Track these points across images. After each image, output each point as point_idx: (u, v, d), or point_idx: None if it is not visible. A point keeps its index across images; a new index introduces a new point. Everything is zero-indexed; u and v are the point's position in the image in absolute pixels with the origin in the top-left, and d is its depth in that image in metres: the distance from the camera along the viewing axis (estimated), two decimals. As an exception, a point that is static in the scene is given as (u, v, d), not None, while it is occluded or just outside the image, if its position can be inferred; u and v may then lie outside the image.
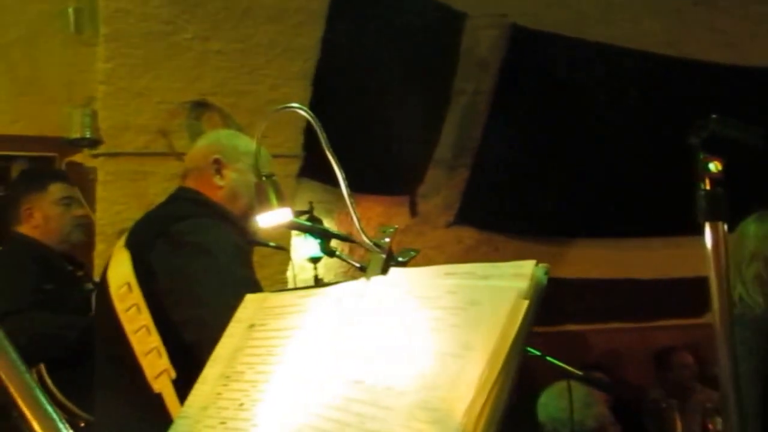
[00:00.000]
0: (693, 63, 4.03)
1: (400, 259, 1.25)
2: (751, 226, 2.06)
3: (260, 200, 1.42)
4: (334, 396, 1.00)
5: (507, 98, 3.85)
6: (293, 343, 1.14)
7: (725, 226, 0.91)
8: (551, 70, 3.89)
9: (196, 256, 1.56)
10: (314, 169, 3.42)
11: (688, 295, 4.76)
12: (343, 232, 1.91)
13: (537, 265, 1.00)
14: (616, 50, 3.96)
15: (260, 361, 1.22)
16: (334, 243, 1.85)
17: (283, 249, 2.46)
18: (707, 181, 0.91)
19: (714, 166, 0.91)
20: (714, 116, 0.93)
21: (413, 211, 4.07)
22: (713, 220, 0.90)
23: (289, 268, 3.11)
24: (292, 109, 1.28)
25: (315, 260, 3.62)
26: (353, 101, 3.56)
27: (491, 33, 3.88)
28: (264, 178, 1.40)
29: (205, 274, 1.52)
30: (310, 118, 1.24)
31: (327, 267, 3.70)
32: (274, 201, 1.39)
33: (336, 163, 1.19)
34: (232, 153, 1.78)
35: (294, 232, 3.05)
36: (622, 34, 3.97)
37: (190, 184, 1.80)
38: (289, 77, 3.29)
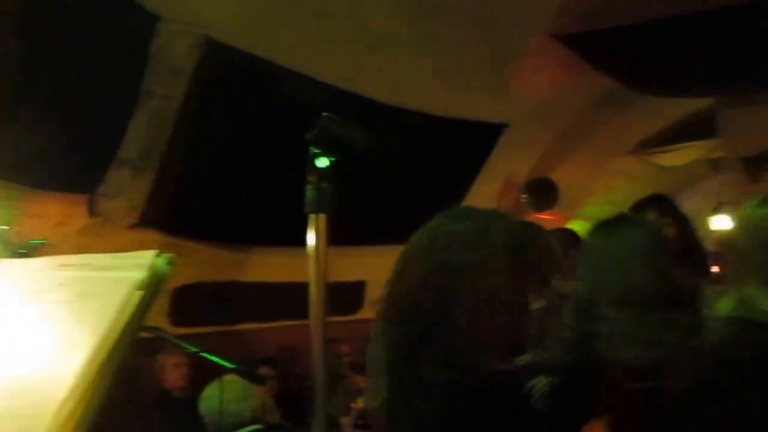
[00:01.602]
0: (365, 100, 4.28)
1: (21, 250, 1.03)
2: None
3: None
4: None
5: (196, 107, 3.66)
6: None
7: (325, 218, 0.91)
8: (240, 86, 3.81)
9: None
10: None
11: (348, 296, 5.11)
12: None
13: (159, 255, 0.89)
14: (300, 78, 4.02)
15: None
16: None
17: None
18: (315, 176, 0.91)
19: (322, 161, 0.91)
20: (325, 114, 0.94)
21: (92, 211, 3.63)
22: (317, 212, 0.90)
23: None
24: None
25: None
26: (27, 91, 3.05)
27: (186, 41, 3.66)
28: None
29: None
30: None
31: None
32: None
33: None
34: None
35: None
36: (313, 66, 4.03)
37: None
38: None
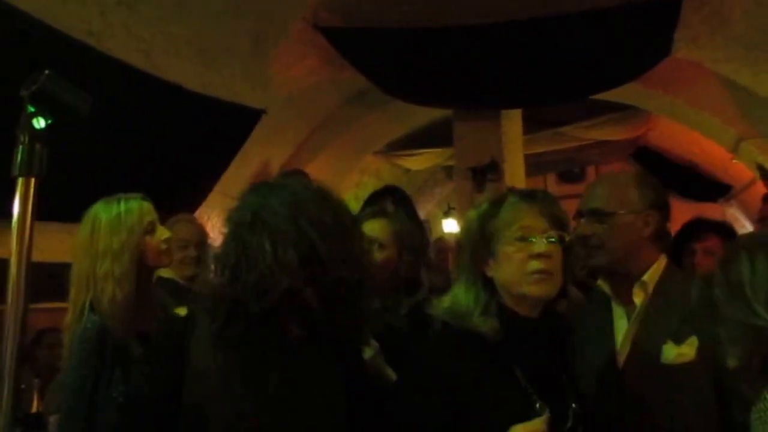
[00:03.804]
0: (110, 59, 3.91)
1: None
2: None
3: None
4: None
5: None
6: None
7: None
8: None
9: None
10: None
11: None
12: None
13: None
14: (31, 21, 3.52)
15: None
16: None
17: None
18: (28, 136, 0.86)
19: (38, 122, 0.87)
20: (47, 72, 0.90)
21: None
22: (27, 175, 0.85)
23: None
24: None
25: None
26: None
27: None
28: None
29: None
30: None
31: None
32: None
33: None
34: None
35: None
36: (45, 10, 3.57)
37: None
38: None
